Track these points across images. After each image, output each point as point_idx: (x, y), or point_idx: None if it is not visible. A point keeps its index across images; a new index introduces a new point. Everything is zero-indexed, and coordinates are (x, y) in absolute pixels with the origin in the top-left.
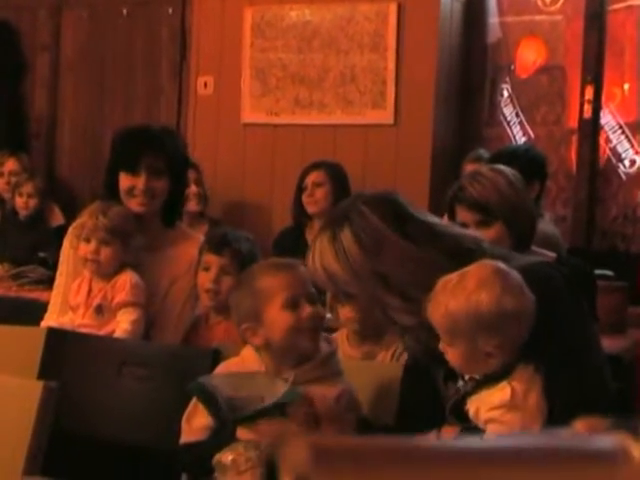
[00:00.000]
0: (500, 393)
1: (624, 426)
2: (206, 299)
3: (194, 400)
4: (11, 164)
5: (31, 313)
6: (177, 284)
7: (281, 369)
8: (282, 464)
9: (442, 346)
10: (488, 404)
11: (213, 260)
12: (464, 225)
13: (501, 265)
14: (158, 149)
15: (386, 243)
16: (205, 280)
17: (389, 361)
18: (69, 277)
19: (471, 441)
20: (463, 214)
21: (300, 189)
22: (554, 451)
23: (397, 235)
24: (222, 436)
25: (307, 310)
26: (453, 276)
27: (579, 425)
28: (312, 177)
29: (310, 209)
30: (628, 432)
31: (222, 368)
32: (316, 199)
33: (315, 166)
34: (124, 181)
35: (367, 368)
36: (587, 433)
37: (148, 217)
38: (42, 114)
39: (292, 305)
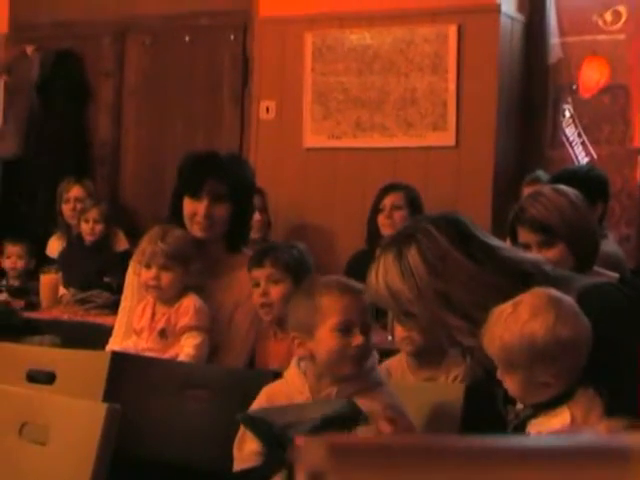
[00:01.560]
0: (560, 418)
1: None
2: (262, 314)
3: (242, 428)
4: (76, 190)
5: (97, 337)
6: (240, 309)
7: (322, 384)
8: (298, 463)
9: (500, 374)
10: (549, 429)
11: (258, 274)
12: (526, 246)
13: (555, 293)
14: (222, 175)
15: (451, 263)
16: (256, 296)
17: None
18: (133, 301)
19: (487, 440)
20: (525, 235)
21: (376, 210)
22: (569, 449)
23: (462, 255)
24: (273, 459)
25: (357, 339)
26: (507, 306)
27: (600, 427)
28: (391, 199)
29: (386, 231)
30: None
31: (267, 390)
32: (394, 222)
33: (393, 188)
34: (187, 206)
35: (427, 390)
36: (605, 433)
37: (211, 242)
38: (106, 140)
39: (344, 330)
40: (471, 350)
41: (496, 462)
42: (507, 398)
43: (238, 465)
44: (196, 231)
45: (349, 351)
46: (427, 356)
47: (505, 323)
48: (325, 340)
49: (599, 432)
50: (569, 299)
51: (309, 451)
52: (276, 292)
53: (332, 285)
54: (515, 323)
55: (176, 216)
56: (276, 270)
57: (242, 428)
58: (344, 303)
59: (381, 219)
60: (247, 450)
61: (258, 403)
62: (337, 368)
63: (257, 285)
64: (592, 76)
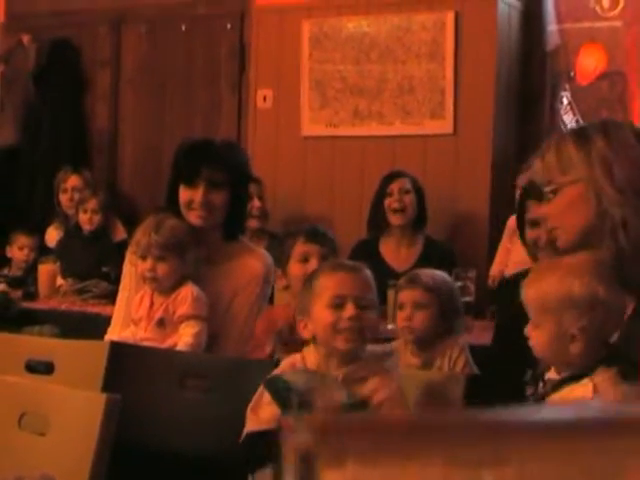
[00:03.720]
0: (582, 389)
1: None
2: None
3: (260, 391)
4: (74, 180)
5: (95, 327)
6: (239, 297)
7: (330, 365)
8: (285, 444)
9: (529, 329)
10: (569, 399)
11: (313, 250)
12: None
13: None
14: (217, 162)
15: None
16: (307, 270)
17: (446, 367)
18: (131, 291)
19: (479, 414)
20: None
21: (382, 196)
22: (570, 421)
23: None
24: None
25: (349, 312)
26: (551, 260)
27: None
28: (398, 184)
29: (395, 217)
30: None
31: (285, 362)
32: (405, 205)
33: (398, 175)
34: (183, 194)
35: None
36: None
37: (208, 230)
38: (103, 129)
39: (336, 305)
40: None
41: (489, 436)
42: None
43: (252, 426)
44: (193, 219)
45: (341, 324)
46: (429, 340)
47: (547, 271)
48: (320, 317)
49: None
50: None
51: (298, 431)
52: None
53: (326, 265)
54: (556, 272)
55: (172, 205)
56: (330, 252)
57: (259, 391)
58: (335, 279)
59: (390, 202)
60: (264, 414)
61: (282, 369)
62: (333, 343)
63: (305, 260)
64: (589, 63)
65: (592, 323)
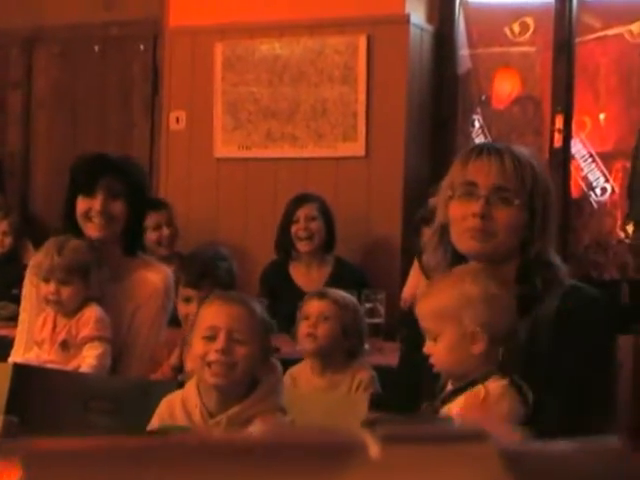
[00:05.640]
0: (474, 393)
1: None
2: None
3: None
4: None
5: (2, 350)
6: (140, 312)
7: (210, 404)
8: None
9: (428, 347)
10: (459, 405)
11: (193, 294)
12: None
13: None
14: (115, 171)
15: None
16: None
17: (354, 391)
18: (32, 313)
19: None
20: (430, 234)
21: (288, 222)
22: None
23: None
24: None
25: (218, 344)
26: (438, 277)
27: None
28: (304, 211)
29: (302, 244)
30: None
31: (164, 403)
32: (311, 233)
33: (305, 199)
34: (81, 204)
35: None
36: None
37: (108, 246)
38: (15, 151)
39: (208, 336)
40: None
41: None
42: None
43: None
44: (92, 231)
45: (210, 356)
46: (331, 359)
47: (438, 284)
48: (194, 348)
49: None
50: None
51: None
52: None
53: (211, 296)
54: (447, 281)
55: (70, 220)
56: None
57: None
58: (211, 310)
59: (296, 230)
60: None
61: (158, 413)
62: (203, 376)
63: (189, 300)
64: (505, 87)
65: (491, 318)
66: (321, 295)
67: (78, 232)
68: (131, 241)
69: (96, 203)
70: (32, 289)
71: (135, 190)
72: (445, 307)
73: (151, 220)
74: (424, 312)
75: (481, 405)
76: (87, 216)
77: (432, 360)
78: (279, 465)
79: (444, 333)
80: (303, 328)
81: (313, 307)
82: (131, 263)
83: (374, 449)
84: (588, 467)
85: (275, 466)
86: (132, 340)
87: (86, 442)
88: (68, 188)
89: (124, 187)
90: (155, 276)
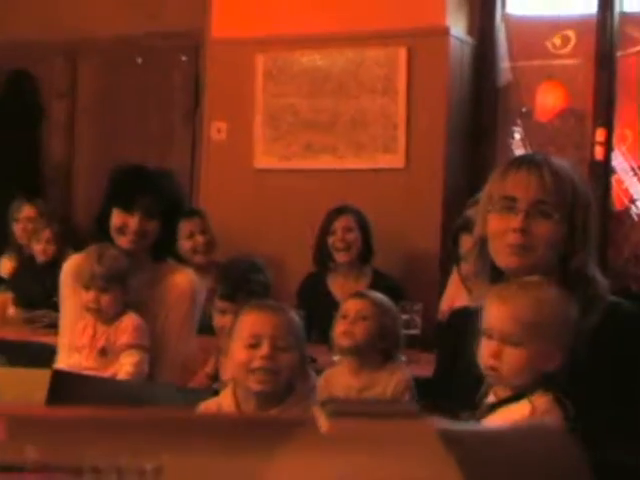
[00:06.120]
0: (520, 408)
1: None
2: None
3: None
4: (28, 210)
5: (44, 356)
6: (169, 317)
7: (247, 410)
8: None
9: (501, 350)
10: (503, 417)
11: (229, 307)
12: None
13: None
14: (154, 191)
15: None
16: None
17: (390, 395)
18: (72, 317)
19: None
20: (468, 242)
21: (325, 233)
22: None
23: None
24: None
25: (263, 351)
26: (516, 282)
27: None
28: (342, 222)
29: (339, 255)
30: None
31: (201, 407)
32: (348, 244)
33: (342, 211)
34: (117, 218)
35: None
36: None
37: (139, 255)
38: (59, 160)
39: (252, 344)
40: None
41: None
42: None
43: None
44: (124, 243)
45: (255, 363)
46: (367, 358)
47: (518, 293)
48: (235, 356)
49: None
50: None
51: None
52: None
53: (248, 305)
54: (544, 294)
55: (102, 226)
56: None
57: None
58: (253, 319)
59: (334, 241)
60: None
61: None
62: (246, 383)
63: (224, 312)
64: (548, 100)
65: (569, 340)
66: (360, 295)
67: (108, 239)
68: (162, 249)
69: (132, 221)
70: (72, 295)
71: (171, 208)
72: (540, 321)
73: (184, 228)
74: (510, 315)
75: (527, 420)
76: (121, 231)
77: (498, 362)
78: (237, 436)
79: (529, 343)
80: (340, 326)
81: (352, 306)
82: (160, 269)
83: (323, 423)
84: (525, 447)
85: (233, 437)
86: (163, 345)
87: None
88: (105, 197)
89: (161, 206)
90: (181, 280)
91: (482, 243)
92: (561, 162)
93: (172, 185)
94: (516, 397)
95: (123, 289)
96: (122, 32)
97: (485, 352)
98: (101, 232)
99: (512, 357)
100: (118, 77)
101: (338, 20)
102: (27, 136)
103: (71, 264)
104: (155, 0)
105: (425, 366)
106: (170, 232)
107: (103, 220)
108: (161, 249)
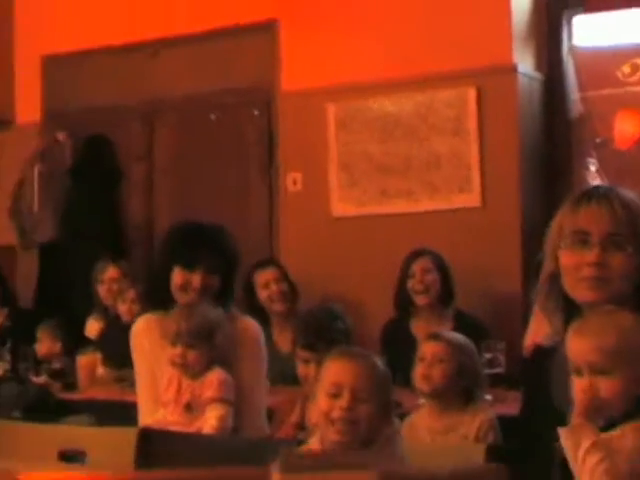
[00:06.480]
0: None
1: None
2: None
3: None
4: (111, 272)
5: (132, 414)
6: (244, 362)
7: None
8: None
9: (593, 380)
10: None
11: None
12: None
13: None
14: (215, 247)
15: None
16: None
17: (473, 436)
18: (149, 374)
19: None
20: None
21: (404, 277)
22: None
23: None
24: None
25: (343, 402)
26: (601, 310)
27: None
28: (420, 264)
29: (419, 298)
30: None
31: None
32: (427, 286)
33: (419, 254)
34: (178, 276)
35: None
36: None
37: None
38: (139, 220)
39: (333, 393)
40: None
41: None
42: None
43: None
44: (187, 300)
45: (335, 413)
46: (449, 400)
47: (604, 321)
48: (318, 404)
49: None
50: None
51: None
52: None
53: (334, 351)
54: (613, 323)
55: (159, 284)
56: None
57: None
58: (336, 367)
59: (413, 284)
60: None
61: None
62: (326, 433)
63: (307, 362)
64: (626, 129)
65: None
66: (436, 337)
67: (167, 297)
68: (224, 301)
69: (195, 279)
70: (155, 351)
71: (232, 262)
72: (624, 347)
73: (260, 278)
74: (595, 347)
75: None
76: (184, 288)
77: (596, 393)
78: None
79: (619, 371)
80: (419, 370)
81: (428, 349)
82: (229, 320)
83: (276, 477)
84: None
85: None
86: (245, 395)
87: None
88: (164, 254)
89: (222, 262)
90: (249, 326)
91: (553, 279)
92: (629, 193)
93: (229, 239)
94: (609, 426)
95: (210, 345)
96: (194, 91)
97: (578, 390)
98: (159, 291)
99: (606, 386)
100: (193, 135)
101: (405, 64)
102: (107, 199)
103: (140, 326)
104: (225, 57)
105: (511, 404)
106: (229, 284)
107: (161, 278)
108: (224, 301)
